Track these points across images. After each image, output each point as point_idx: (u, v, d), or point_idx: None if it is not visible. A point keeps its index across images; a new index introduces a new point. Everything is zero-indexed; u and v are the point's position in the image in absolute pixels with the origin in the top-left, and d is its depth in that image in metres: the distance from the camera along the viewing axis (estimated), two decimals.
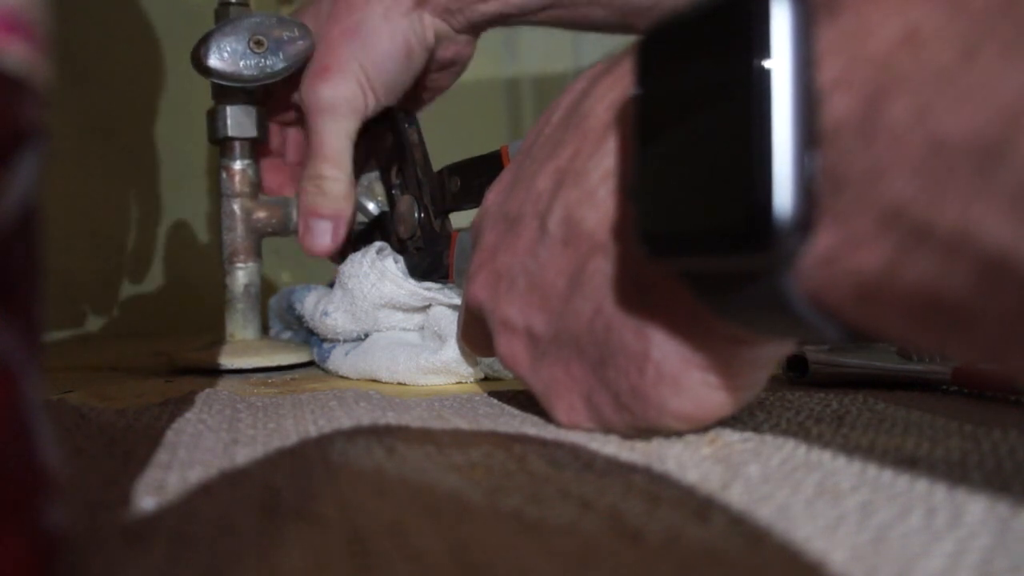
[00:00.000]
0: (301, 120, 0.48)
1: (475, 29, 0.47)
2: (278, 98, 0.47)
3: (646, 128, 0.18)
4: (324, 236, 0.44)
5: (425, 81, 0.49)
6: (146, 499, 0.17)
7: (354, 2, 0.43)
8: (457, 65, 0.49)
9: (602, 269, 0.22)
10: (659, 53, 0.18)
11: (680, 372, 0.20)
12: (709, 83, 0.16)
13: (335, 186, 0.43)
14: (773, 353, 0.21)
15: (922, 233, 0.13)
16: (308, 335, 0.45)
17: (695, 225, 0.17)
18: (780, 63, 0.15)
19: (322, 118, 0.43)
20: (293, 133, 0.49)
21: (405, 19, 0.44)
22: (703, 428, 0.24)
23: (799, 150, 0.15)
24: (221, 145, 0.45)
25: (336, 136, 0.43)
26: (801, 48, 0.15)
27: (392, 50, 0.43)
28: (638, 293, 0.21)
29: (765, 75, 0.15)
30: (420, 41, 0.45)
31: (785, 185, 0.15)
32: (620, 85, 0.22)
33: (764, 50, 0.15)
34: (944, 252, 0.13)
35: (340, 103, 0.42)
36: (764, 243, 0.15)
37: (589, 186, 0.22)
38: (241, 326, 0.45)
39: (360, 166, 0.49)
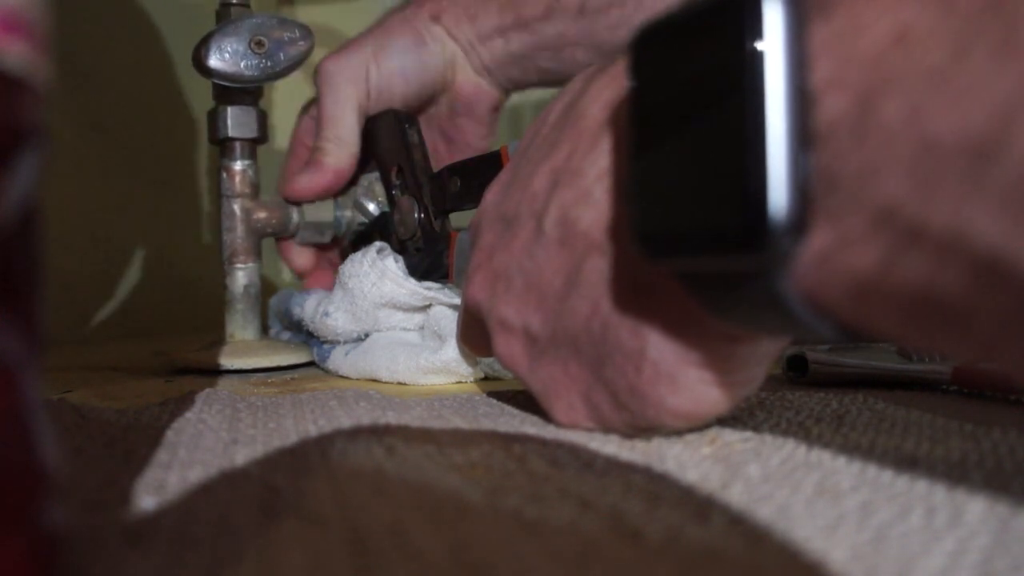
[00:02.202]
0: None
1: (490, 75, 0.49)
2: None
3: (641, 128, 0.18)
4: (304, 180, 0.46)
5: (450, 128, 0.51)
6: (146, 499, 0.17)
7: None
8: (479, 113, 0.50)
9: (598, 268, 0.22)
10: (652, 52, 0.18)
11: (677, 370, 0.20)
12: (702, 83, 0.16)
13: (333, 147, 0.46)
14: (770, 349, 0.21)
15: (915, 233, 0.13)
16: (308, 336, 0.45)
17: (690, 225, 0.17)
18: (773, 63, 0.15)
19: (326, 88, 0.46)
20: None
21: (421, 23, 0.47)
22: (703, 426, 0.24)
23: (793, 150, 0.15)
24: (221, 145, 0.45)
25: (337, 102, 0.46)
26: (794, 48, 0.15)
27: (405, 40, 0.47)
28: (634, 292, 0.21)
29: (758, 75, 0.15)
30: (434, 43, 0.47)
31: (780, 186, 0.15)
32: (615, 85, 0.22)
33: (756, 51, 0.15)
34: (937, 252, 0.13)
35: (339, 73, 0.46)
36: (759, 243, 0.15)
37: (584, 186, 0.22)
38: (241, 326, 0.45)
39: (360, 167, 0.49)
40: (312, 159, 0.46)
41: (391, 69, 0.46)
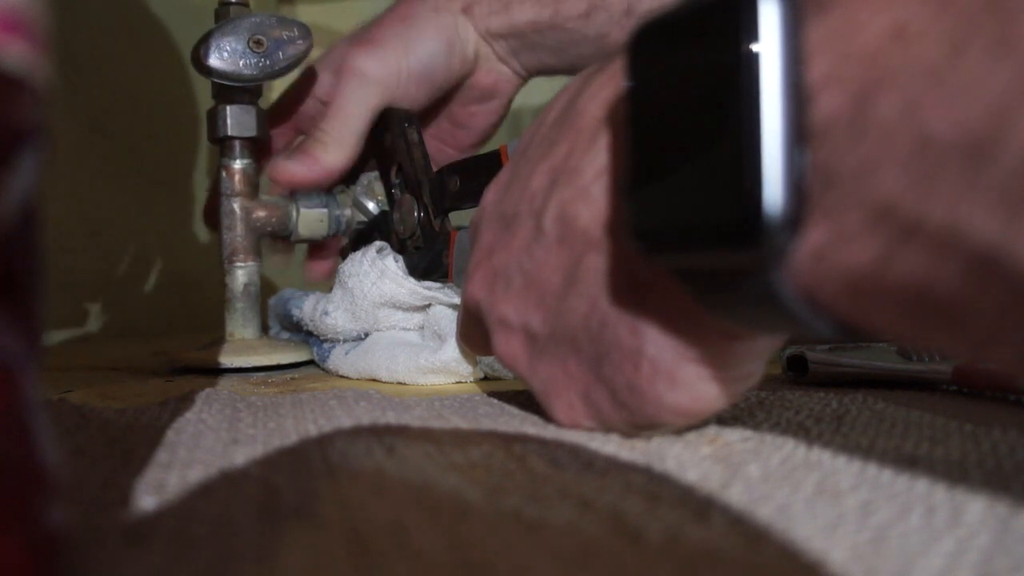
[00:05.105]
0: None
1: (516, 62, 0.48)
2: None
3: (638, 126, 0.19)
4: (298, 167, 0.44)
5: (462, 113, 0.49)
6: (146, 499, 0.17)
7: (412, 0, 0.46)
8: (495, 100, 0.49)
9: (596, 266, 0.22)
10: (649, 51, 0.18)
11: (675, 367, 0.21)
12: (699, 81, 0.16)
13: (335, 146, 0.44)
14: (768, 345, 0.21)
15: (912, 229, 0.13)
16: (307, 336, 0.45)
17: (687, 222, 0.17)
18: (769, 59, 0.15)
19: (351, 83, 0.44)
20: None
21: (452, 17, 0.45)
22: (702, 425, 0.24)
23: (789, 147, 0.15)
24: (221, 144, 0.45)
25: (356, 102, 0.44)
26: (790, 44, 0.15)
27: (436, 42, 0.45)
28: (632, 289, 0.21)
29: (754, 72, 0.15)
30: (461, 45, 0.46)
31: (775, 182, 0.15)
32: (613, 83, 0.22)
33: (753, 48, 0.15)
34: (933, 248, 0.13)
35: (373, 72, 0.44)
36: (755, 239, 0.15)
37: (583, 184, 0.22)
38: (241, 325, 0.45)
39: (360, 166, 0.49)
40: (307, 147, 0.44)
41: (418, 74, 0.45)
